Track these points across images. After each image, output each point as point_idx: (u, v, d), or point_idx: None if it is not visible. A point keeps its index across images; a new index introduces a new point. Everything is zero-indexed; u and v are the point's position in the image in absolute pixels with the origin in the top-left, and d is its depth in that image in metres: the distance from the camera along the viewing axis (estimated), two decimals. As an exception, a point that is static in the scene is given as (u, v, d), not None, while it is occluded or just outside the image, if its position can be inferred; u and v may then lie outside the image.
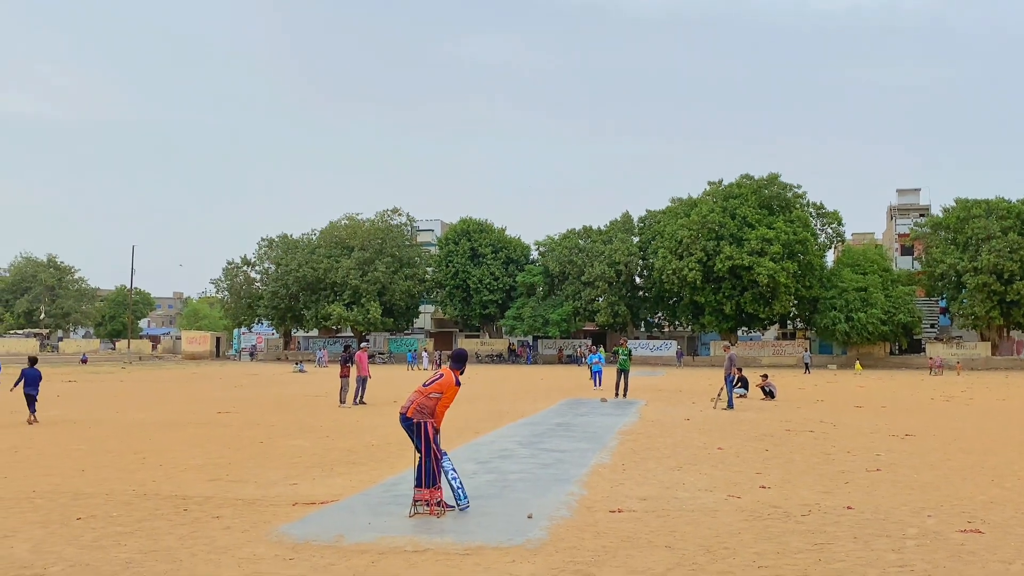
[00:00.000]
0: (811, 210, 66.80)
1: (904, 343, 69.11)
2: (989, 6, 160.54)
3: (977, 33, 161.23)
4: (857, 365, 58.01)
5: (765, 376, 29.21)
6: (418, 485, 8.89)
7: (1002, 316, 61.50)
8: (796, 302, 65.98)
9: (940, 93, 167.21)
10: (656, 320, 75.54)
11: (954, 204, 65.82)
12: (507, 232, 77.83)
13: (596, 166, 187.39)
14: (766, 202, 65.57)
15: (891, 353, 67.95)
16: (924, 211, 78.84)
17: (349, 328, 74.92)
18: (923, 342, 68.28)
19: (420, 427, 8.91)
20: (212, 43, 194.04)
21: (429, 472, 8.90)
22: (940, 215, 67.08)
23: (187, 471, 12.06)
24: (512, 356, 73.11)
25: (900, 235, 77.94)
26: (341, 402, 24.37)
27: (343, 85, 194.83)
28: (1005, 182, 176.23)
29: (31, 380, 19.23)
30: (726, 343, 25.16)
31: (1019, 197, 63.85)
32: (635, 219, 73.27)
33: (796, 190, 66.53)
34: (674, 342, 71.00)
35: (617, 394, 26.75)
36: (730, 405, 23.10)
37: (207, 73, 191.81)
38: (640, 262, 70.21)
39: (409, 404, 9.04)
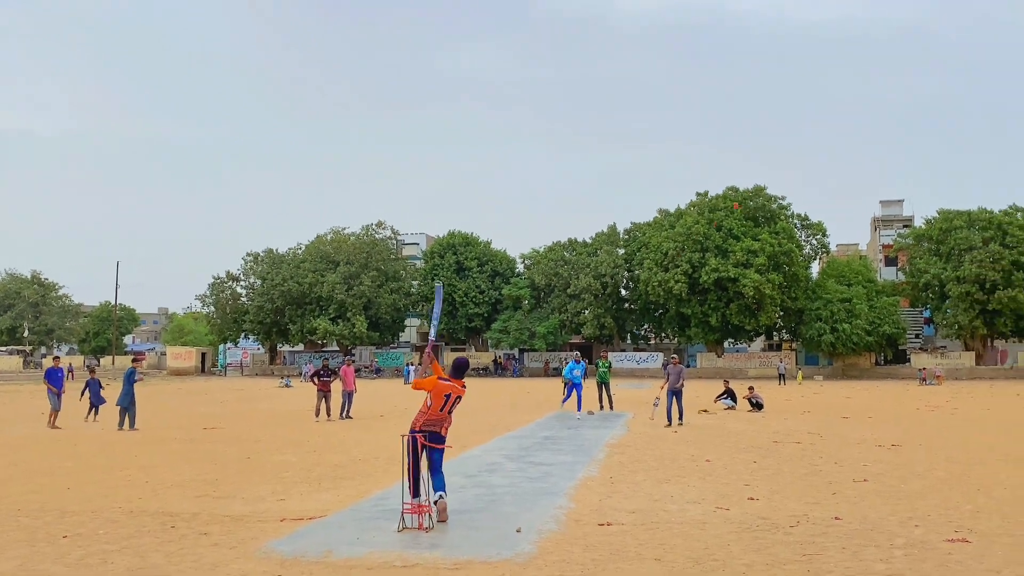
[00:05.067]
0: (796, 222, 67.07)
1: (889, 354, 69.42)
2: (971, 19, 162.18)
3: (960, 45, 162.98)
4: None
5: (752, 388, 29.32)
6: (416, 497, 9.04)
7: (985, 326, 61.87)
8: (782, 313, 66.21)
9: (923, 104, 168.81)
10: (642, 332, 75.66)
11: (937, 215, 66.21)
12: (493, 245, 77.93)
13: (582, 178, 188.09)
14: (751, 214, 65.84)
15: (877, 364, 68.22)
16: (907, 222, 79.30)
17: (335, 342, 74.72)
18: (908, 352, 68.56)
19: (412, 441, 9.08)
20: (194, 56, 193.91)
21: (416, 485, 9.06)
22: (923, 226, 67.46)
23: (173, 488, 11.99)
24: (498, 369, 73.03)
25: (884, 246, 78.35)
26: (317, 414, 24.19)
27: (328, 97, 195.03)
28: (986, 193, 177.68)
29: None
30: (674, 356, 24.76)
31: (1000, 208, 64.35)
32: (620, 231, 73.43)
33: (781, 202, 66.81)
34: (660, 354, 71.13)
35: (601, 406, 26.58)
36: (669, 421, 21.80)
37: (191, 86, 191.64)
38: (626, 274, 70.33)
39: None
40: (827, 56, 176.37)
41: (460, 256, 74.81)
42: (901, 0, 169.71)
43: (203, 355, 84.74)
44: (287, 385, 51.16)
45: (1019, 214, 63.27)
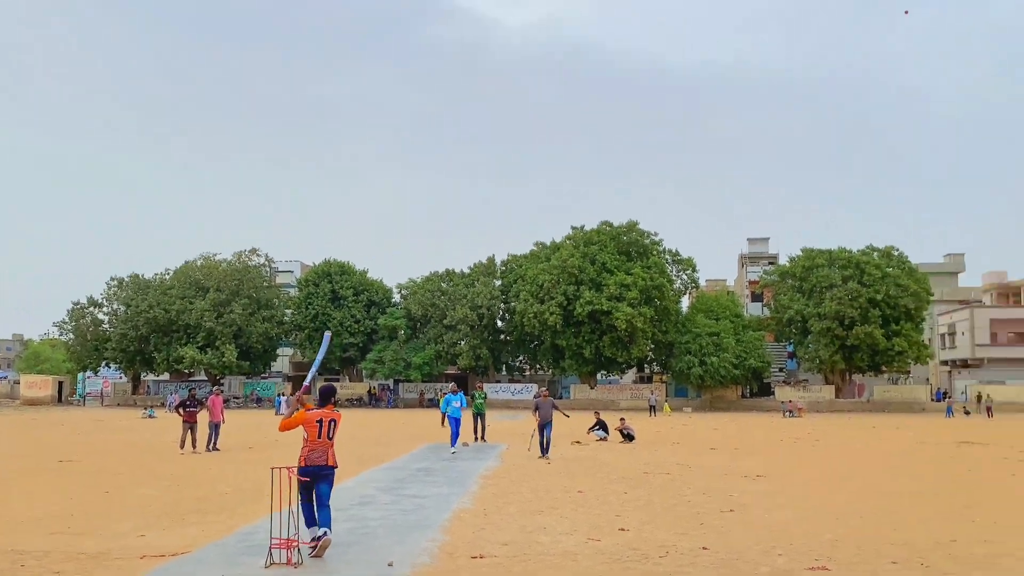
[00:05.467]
0: (667, 257, 68.87)
1: (755, 386, 71.76)
2: (830, 66, 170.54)
3: (819, 90, 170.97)
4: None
5: (623, 419, 29.80)
6: (310, 526, 9.11)
7: (844, 360, 64.64)
8: (653, 346, 67.67)
9: (789, 146, 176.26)
10: (518, 363, 76.12)
11: (800, 253, 69.11)
12: (369, 274, 77.21)
13: (461, 209, 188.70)
14: (625, 248, 67.29)
15: (743, 396, 70.38)
16: (773, 259, 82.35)
17: (203, 372, 72.46)
18: (772, 385, 71.07)
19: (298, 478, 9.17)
20: (56, 67, 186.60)
21: (310, 515, 9.16)
22: (787, 264, 70.24)
23: (24, 524, 11.35)
24: (372, 400, 72.18)
25: (750, 282, 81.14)
26: (182, 446, 23.42)
27: (200, 120, 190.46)
28: (846, 233, 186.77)
29: None
30: (544, 389, 24.73)
31: (858, 248, 67.64)
32: (498, 263, 73.88)
33: (653, 237, 68.57)
34: (535, 385, 71.62)
35: (476, 438, 26.48)
36: (543, 452, 21.73)
37: (52, 98, 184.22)
38: (502, 305, 70.76)
39: None
40: (700, 97, 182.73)
41: (336, 285, 73.85)
42: (768, 48, 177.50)
43: (60, 384, 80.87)
44: (150, 416, 49.26)
45: (875, 254, 66.64)
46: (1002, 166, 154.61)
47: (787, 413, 54.35)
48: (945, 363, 79.79)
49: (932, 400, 68.03)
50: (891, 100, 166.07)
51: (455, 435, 23.48)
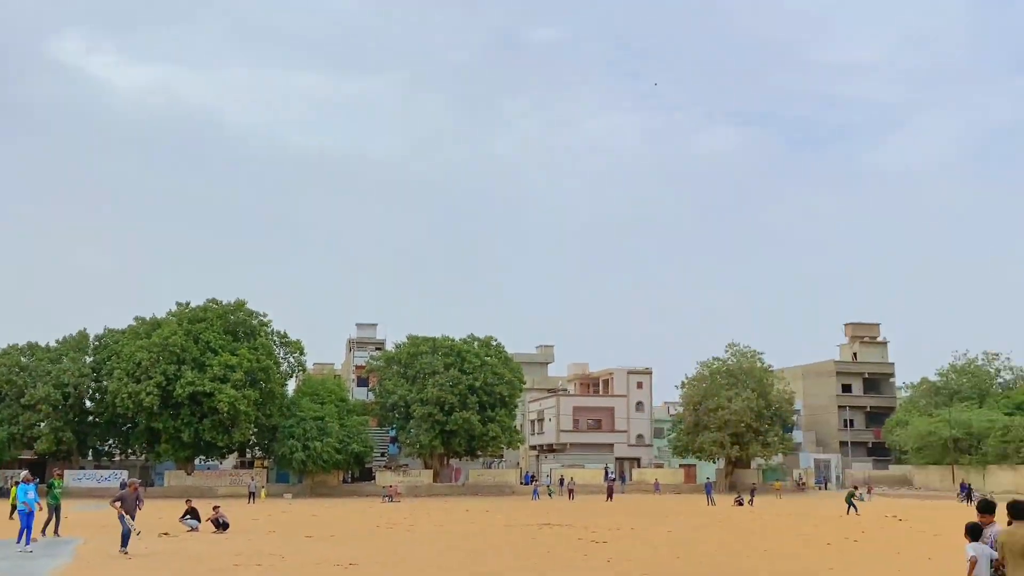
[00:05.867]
0: (275, 339, 67.93)
1: (356, 471, 72.26)
2: (446, 161, 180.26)
3: (429, 182, 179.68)
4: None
5: (217, 507, 28.64)
6: None
7: (443, 445, 67.31)
8: (256, 430, 66.05)
9: (400, 236, 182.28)
10: (107, 448, 70.37)
11: (406, 340, 71.60)
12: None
13: (51, 278, 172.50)
14: (232, 328, 65.49)
15: (344, 481, 70.52)
16: (380, 345, 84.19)
17: None
18: (374, 470, 72.04)
19: None
20: None
21: None
22: (393, 350, 72.35)
23: None
24: (-78, 491, 62.87)
25: (357, 367, 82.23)
26: None
27: None
28: (450, 322, 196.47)
29: None
30: (135, 480, 23.46)
31: (460, 336, 71.44)
32: (92, 337, 68.36)
33: (262, 318, 67.42)
34: (125, 472, 66.51)
35: (44, 531, 23.87)
36: (123, 545, 20.04)
37: None
38: (93, 384, 65.39)
39: None
40: (314, 183, 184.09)
41: None
42: (382, 140, 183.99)
43: None
44: None
45: (476, 343, 70.83)
46: (586, 270, 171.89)
47: (386, 498, 55.28)
48: (534, 447, 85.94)
49: (521, 483, 72.65)
50: (495, 203, 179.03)
51: (27, 530, 20.85)
